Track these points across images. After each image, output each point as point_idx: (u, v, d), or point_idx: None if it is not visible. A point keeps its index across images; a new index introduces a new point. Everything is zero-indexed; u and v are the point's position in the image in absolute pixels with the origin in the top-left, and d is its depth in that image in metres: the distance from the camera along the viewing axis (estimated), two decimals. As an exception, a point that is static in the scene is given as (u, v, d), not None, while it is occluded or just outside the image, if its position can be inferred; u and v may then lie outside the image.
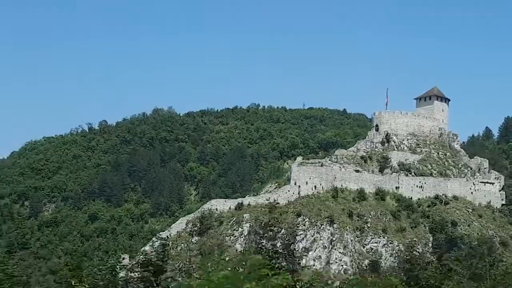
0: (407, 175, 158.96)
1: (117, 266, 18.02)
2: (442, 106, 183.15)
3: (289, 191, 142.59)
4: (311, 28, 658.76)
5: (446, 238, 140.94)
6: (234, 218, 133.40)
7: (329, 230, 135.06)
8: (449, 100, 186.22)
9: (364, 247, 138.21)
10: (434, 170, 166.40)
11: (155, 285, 13.93)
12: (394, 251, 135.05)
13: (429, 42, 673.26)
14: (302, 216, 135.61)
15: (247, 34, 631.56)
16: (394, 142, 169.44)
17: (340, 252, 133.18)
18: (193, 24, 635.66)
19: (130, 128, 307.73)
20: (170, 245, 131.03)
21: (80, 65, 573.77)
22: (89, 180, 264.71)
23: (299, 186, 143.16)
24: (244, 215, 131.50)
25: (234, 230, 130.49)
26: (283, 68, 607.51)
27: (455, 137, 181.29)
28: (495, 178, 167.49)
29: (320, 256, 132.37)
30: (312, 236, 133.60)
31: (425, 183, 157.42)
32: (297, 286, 18.10)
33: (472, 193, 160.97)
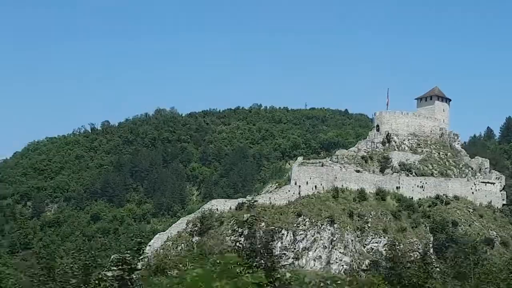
0: (407, 175, 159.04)
1: (91, 265, 18.32)
2: (443, 106, 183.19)
3: (289, 191, 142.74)
4: (311, 28, 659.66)
5: (446, 238, 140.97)
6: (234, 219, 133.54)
7: (329, 230, 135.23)
8: (450, 100, 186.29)
9: (364, 247, 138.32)
10: (435, 170, 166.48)
11: (129, 283, 14.18)
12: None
13: (430, 42, 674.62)
14: (302, 216, 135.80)
15: (248, 34, 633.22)
16: (395, 142, 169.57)
17: (340, 252, 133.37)
18: (193, 24, 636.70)
19: (133, 128, 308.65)
20: (171, 244, 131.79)
21: (80, 65, 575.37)
22: (91, 181, 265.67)
23: (300, 186, 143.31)
24: (244, 215, 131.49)
25: (234, 230, 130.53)
26: (285, 68, 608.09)
27: (456, 137, 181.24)
28: (496, 178, 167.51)
29: (320, 256, 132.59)
30: (313, 236, 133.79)
31: (425, 183, 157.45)
32: (275, 284, 18.42)
33: (473, 193, 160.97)
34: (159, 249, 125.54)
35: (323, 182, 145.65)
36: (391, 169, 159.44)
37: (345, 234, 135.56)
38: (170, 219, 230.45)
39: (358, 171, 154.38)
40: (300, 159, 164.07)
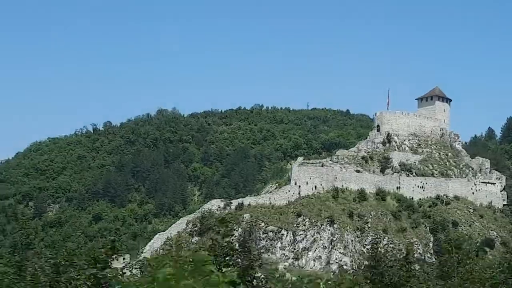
0: (408, 176, 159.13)
1: (61, 263, 18.46)
2: (444, 106, 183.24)
3: (289, 191, 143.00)
4: (312, 28, 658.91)
5: (446, 238, 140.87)
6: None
7: (329, 230, 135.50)
8: (450, 100, 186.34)
9: (364, 247, 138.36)
10: (435, 170, 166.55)
11: (101, 282, 14.33)
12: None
13: (430, 42, 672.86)
14: (302, 216, 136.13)
15: (250, 34, 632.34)
16: (395, 142, 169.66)
17: (340, 253, 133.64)
18: (195, 24, 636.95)
19: (134, 129, 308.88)
20: (172, 244, 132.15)
21: (80, 65, 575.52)
22: (93, 181, 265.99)
23: (300, 186, 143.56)
24: (244, 215, 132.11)
25: (234, 230, 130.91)
26: (286, 69, 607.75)
27: (456, 138, 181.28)
28: (497, 178, 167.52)
29: (320, 257, 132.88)
30: (312, 236, 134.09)
31: (426, 183, 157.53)
32: (253, 283, 18.63)
33: (473, 193, 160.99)
34: (159, 249, 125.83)
35: (323, 182, 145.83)
36: (391, 169, 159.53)
37: (345, 235, 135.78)
38: (172, 219, 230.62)
39: (358, 171, 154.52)
40: (300, 159, 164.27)
